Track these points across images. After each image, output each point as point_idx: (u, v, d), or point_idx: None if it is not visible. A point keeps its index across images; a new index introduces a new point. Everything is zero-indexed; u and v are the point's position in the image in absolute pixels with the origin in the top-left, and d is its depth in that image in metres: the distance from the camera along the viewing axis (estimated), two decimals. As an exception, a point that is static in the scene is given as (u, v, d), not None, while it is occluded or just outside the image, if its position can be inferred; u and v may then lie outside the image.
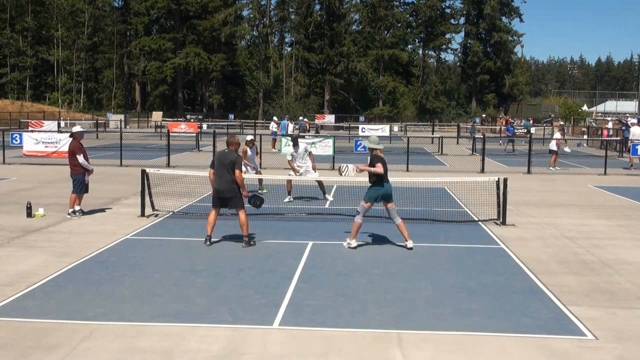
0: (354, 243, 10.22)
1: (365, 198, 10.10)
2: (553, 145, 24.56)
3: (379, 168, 9.87)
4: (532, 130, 40.60)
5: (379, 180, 9.98)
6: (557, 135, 25.53)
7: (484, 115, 65.73)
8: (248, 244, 10.31)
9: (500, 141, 37.58)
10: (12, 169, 21.65)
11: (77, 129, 13.34)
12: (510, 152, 33.03)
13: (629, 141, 26.76)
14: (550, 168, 23.98)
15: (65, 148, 19.25)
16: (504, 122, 51.31)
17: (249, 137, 17.03)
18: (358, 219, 10.16)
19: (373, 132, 42.16)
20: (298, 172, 15.03)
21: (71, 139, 13.30)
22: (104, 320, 6.79)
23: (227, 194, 10.19)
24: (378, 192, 10.00)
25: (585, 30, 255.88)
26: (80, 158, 12.77)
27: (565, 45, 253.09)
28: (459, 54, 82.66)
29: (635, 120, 31.64)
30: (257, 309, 7.23)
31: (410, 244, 10.23)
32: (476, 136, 35.56)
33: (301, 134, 35.57)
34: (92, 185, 14.60)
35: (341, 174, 11.04)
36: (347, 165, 11.07)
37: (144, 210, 12.84)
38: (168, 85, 74.17)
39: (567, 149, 27.89)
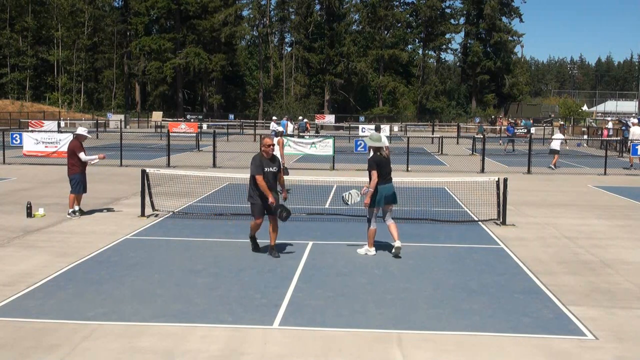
0: (372, 250, 9.79)
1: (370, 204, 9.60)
2: (556, 145, 24.65)
3: (373, 177, 9.41)
4: (532, 130, 40.65)
5: (379, 182, 9.50)
6: (560, 135, 25.76)
7: (493, 117, 65.50)
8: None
9: (501, 141, 37.62)
10: (12, 169, 21.65)
11: (81, 130, 13.37)
12: (510, 152, 33.05)
13: (629, 141, 26.80)
14: (551, 167, 24.02)
15: (65, 148, 19.26)
16: (505, 123, 51.33)
17: (280, 128, 16.99)
18: (372, 226, 9.66)
19: (370, 129, 42.12)
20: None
21: (72, 138, 13.32)
22: (104, 320, 6.79)
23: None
24: (377, 196, 9.50)
25: (585, 30, 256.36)
26: (83, 156, 12.79)
27: (565, 45, 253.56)
28: (459, 54, 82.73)
29: (636, 120, 31.70)
30: (257, 309, 7.23)
31: (397, 243, 9.65)
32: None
33: (301, 134, 35.62)
34: (92, 185, 14.61)
35: (347, 203, 10.22)
36: (349, 193, 10.15)
37: (144, 210, 12.84)
38: (168, 85, 74.21)
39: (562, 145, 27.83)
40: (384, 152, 9.77)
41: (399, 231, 9.86)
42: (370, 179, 9.54)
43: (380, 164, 9.57)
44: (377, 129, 16.46)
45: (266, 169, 9.48)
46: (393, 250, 9.74)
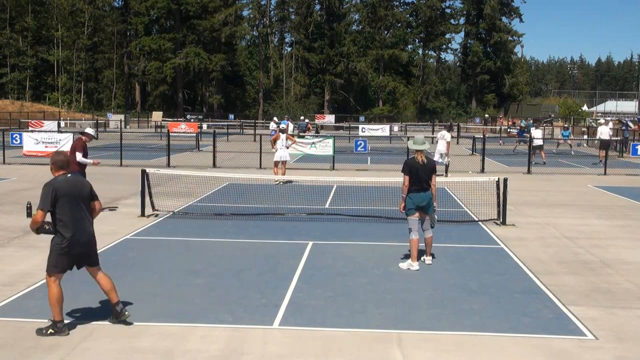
0: (415, 265, 8.99)
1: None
2: (539, 142, 26.30)
3: (404, 182, 9.05)
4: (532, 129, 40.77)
5: (411, 189, 9.05)
6: (537, 132, 27.41)
7: (486, 116, 65.46)
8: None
9: (501, 141, 37.62)
10: (12, 169, 21.64)
11: (89, 130, 13.40)
12: (516, 152, 33.04)
13: (597, 139, 27.56)
14: (544, 162, 25.34)
15: (66, 148, 19.25)
16: (505, 123, 51.35)
17: (283, 126, 17.63)
18: (411, 236, 9.02)
19: (371, 129, 42.12)
20: None
21: (78, 136, 13.31)
22: (104, 320, 6.79)
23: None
24: (410, 203, 9.05)
25: (585, 30, 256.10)
26: (79, 156, 12.66)
27: (565, 45, 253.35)
28: (459, 54, 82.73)
29: (602, 120, 32.91)
30: (257, 309, 7.22)
31: (428, 260, 9.32)
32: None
33: (301, 133, 35.62)
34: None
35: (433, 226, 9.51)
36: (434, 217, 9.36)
37: (144, 210, 12.83)
38: (168, 85, 74.16)
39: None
40: (419, 156, 9.13)
41: (431, 247, 9.38)
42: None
43: (412, 169, 9.03)
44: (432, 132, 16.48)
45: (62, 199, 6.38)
46: (425, 262, 9.31)
